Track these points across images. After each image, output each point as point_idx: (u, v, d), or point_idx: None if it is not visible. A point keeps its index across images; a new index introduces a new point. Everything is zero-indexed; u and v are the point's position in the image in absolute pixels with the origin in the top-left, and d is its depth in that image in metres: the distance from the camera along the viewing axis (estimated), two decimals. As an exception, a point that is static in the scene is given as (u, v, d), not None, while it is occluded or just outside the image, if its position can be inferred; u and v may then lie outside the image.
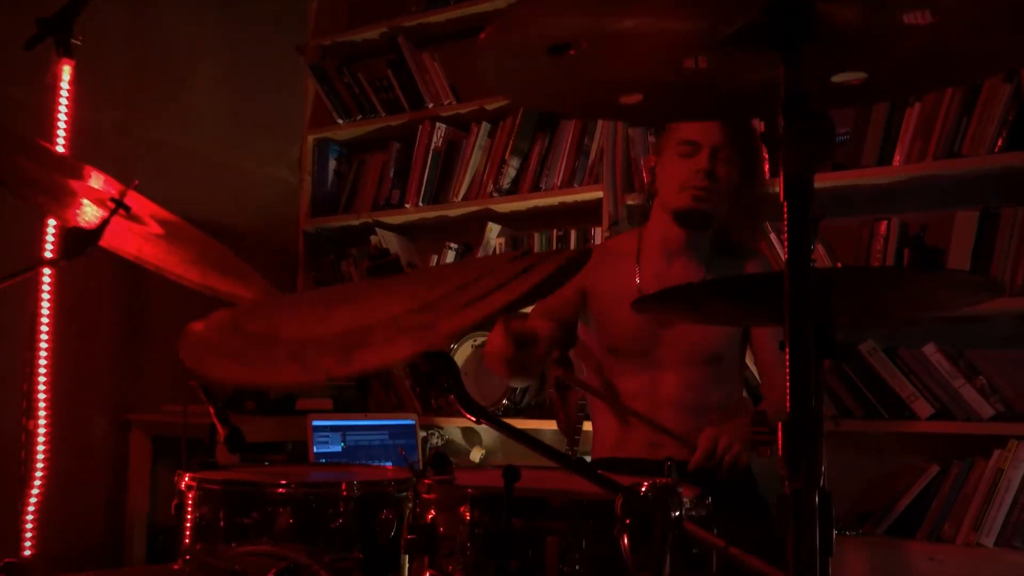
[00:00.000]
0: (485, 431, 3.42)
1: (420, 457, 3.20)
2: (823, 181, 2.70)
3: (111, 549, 2.91)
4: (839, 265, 2.67)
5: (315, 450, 2.88)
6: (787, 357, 0.79)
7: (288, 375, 0.86)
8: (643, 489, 0.87)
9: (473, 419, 1.00)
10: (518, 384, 2.11)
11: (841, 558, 2.44)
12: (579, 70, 0.87)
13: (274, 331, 0.92)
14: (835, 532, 2.34)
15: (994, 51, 0.89)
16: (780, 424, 0.78)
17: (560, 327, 1.98)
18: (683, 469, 1.78)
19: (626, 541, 0.86)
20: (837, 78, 0.97)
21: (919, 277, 1.34)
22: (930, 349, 2.54)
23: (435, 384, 0.97)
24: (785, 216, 0.81)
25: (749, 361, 2.19)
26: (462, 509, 1.20)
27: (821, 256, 2.69)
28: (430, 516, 1.27)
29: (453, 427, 3.45)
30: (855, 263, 2.66)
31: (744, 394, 2.24)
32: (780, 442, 0.78)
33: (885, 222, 2.62)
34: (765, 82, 0.94)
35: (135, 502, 2.96)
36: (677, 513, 0.87)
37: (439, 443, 3.42)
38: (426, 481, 1.29)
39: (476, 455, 3.42)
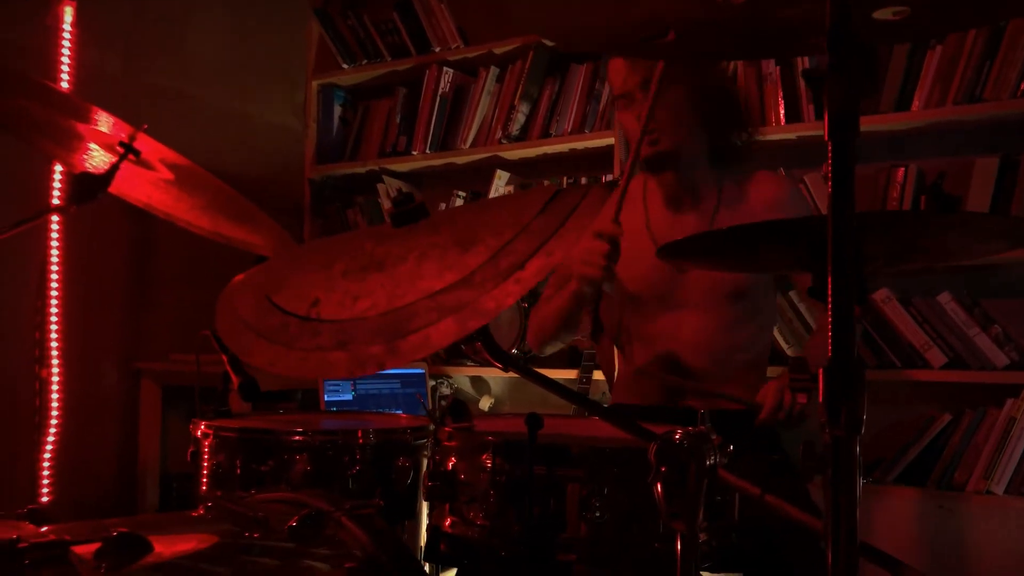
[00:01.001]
0: (494, 379, 3.42)
1: (430, 405, 3.20)
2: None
3: (124, 496, 2.94)
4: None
5: (326, 399, 2.88)
6: (829, 303, 0.77)
7: (341, 369, 0.84)
8: (678, 437, 0.85)
9: (501, 368, 0.98)
10: (550, 347, 2.08)
11: (851, 505, 2.44)
12: (613, 6, 0.83)
13: (312, 308, 0.89)
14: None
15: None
16: (821, 370, 0.76)
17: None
18: (714, 418, 1.77)
19: (660, 489, 0.84)
20: (879, 14, 0.93)
21: (943, 221, 1.31)
22: (945, 298, 2.51)
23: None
24: (829, 155, 0.77)
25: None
26: (483, 456, 1.19)
27: (836, 204, 2.65)
28: (450, 463, 1.27)
29: (462, 376, 3.45)
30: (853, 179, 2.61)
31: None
32: (820, 389, 0.76)
33: (902, 169, 2.58)
34: (802, 18, 0.90)
35: (147, 450, 2.98)
36: (711, 461, 0.85)
37: (449, 391, 3.42)
38: (446, 429, 1.28)
39: (485, 403, 3.42)
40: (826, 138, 0.78)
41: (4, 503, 1.37)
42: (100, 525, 1.04)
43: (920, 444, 2.53)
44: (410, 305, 0.88)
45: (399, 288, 0.90)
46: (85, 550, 0.94)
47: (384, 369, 0.88)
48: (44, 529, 0.96)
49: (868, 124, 2.62)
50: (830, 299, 0.76)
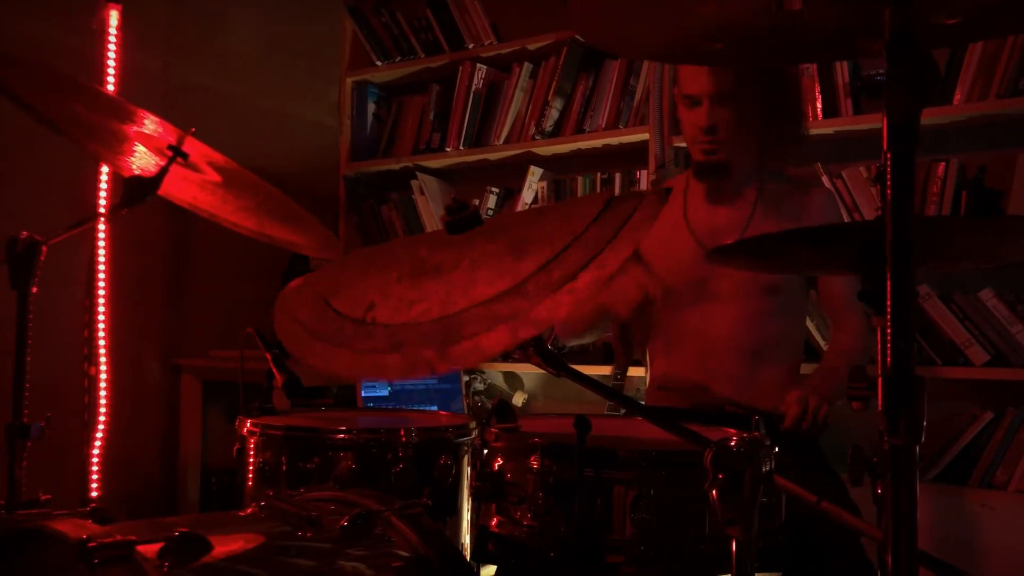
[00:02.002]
0: (527, 375, 3.44)
1: (464, 402, 3.22)
2: (878, 122, 2.62)
3: (166, 491, 2.99)
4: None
5: (363, 394, 2.91)
6: (888, 307, 0.77)
7: (394, 370, 0.86)
8: (733, 443, 0.86)
9: (555, 373, 0.99)
10: (576, 342, 2.11)
11: (890, 503, 2.43)
12: (668, 15, 0.83)
13: (368, 311, 0.91)
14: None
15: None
16: (880, 379, 0.76)
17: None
18: (730, 418, 1.78)
19: (716, 495, 0.85)
20: (935, 17, 0.92)
21: (986, 225, 1.30)
22: (987, 294, 2.49)
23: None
24: (888, 163, 0.77)
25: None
26: (531, 458, 1.21)
27: (874, 199, 2.63)
28: (497, 464, 1.28)
29: (495, 371, 3.47)
30: (913, 188, 2.59)
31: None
32: (880, 396, 0.76)
33: (943, 164, 2.55)
34: (857, 24, 0.90)
35: (188, 445, 3.02)
36: (767, 468, 0.86)
37: (482, 387, 3.44)
38: (492, 430, 1.30)
39: (519, 399, 3.44)
40: (885, 148, 0.77)
41: (55, 498, 1.41)
42: (161, 524, 1.07)
43: (961, 442, 2.51)
44: (463, 312, 0.89)
45: (452, 295, 0.92)
46: (148, 549, 0.96)
47: (436, 374, 0.89)
48: (109, 528, 0.99)
49: (908, 119, 2.59)
50: (889, 308, 0.76)
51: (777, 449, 1.21)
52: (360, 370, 0.93)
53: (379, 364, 0.91)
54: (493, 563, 1.31)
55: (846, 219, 2.54)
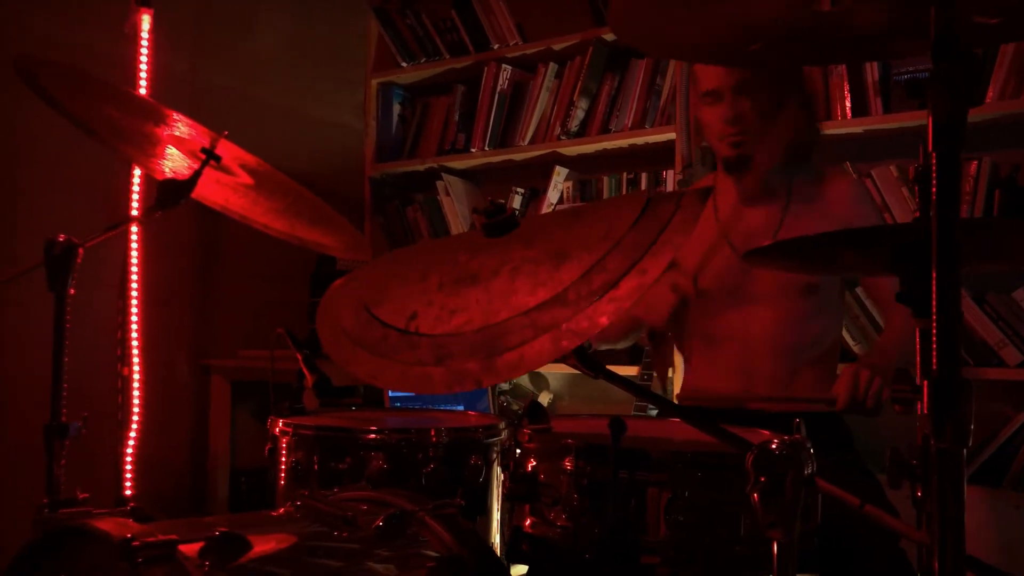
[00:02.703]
0: (552, 375, 3.44)
1: (490, 401, 3.23)
2: (908, 120, 2.60)
3: (195, 491, 3.02)
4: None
5: (390, 394, 2.92)
6: (933, 311, 0.76)
7: (440, 384, 0.86)
8: (775, 446, 0.85)
9: (593, 376, 0.99)
10: (606, 347, 2.11)
11: (922, 505, 2.41)
12: (708, 19, 0.83)
13: (410, 321, 0.91)
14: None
15: None
16: (926, 383, 0.76)
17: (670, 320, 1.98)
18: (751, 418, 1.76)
19: (757, 499, 0.85)
20: (978, 17, 0.91)
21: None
22: (1021, 294, 2.45)
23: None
24: (934, 166, 0.77)
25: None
26: (565, 460, 1.21)
27: (905, 198, 2.60)
28: (530, 465, 1.28)
29: (521, 371, 3.47)
30: (959, 190, 2.56)
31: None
32: (925, 400, 0.76)
33: (975, 162, 2.52)
34: (896, 24, 0.89)
35: (217, 446, 3.05)
36: (809, 471, 0.85)
37: (507, 387, 3.44)
38: (525, 431, 1.30)
39: (544, 399, 3.44)
40: (930, 149, 0.77)
41: (90, 496, 1.43)
42: (201, 524, 1.08)
43: (995, 444, 2.48)
44: (505, 322, 0.89)
45: (494, 304, 0.92)
46: (189, 548, 0.98)
47: (481, 387, 0.90)
48: (151, 527, 1.00)
49: (939, 117, 2.56)
50: (935, 312, 0.76)
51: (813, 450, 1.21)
52: (407, 384, 0.94)
53: (425, 377, 0.91)
54: (526, 563, 1.31)
55: (879, 206, 2.52)
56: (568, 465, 1.20)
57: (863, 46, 1.01)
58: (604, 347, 2.11)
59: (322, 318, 1.05)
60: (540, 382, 3.49)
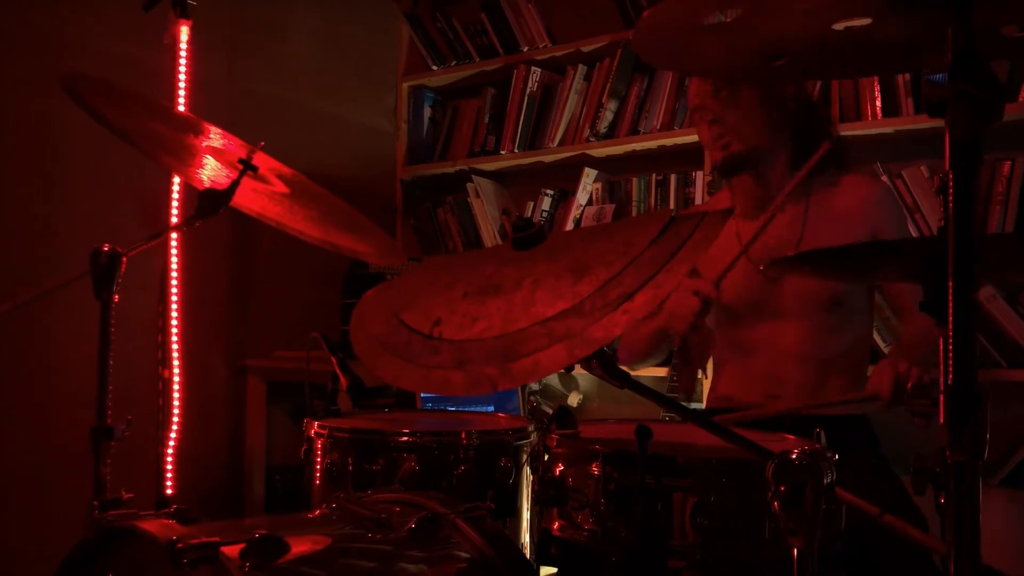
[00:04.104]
0: (582, 376, 3.46)
1: (520, 401, 3.26)
2: (939, 121, 2.58)
3: (233, 488, 3.09)
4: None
5: (421, 395, 2.96)
6: (949, 325, 0.78)
7: (458, 387, 0.90)
8: (795, 455, 0.88)
9: (618, 385, 1.02)
10: (641, 366, 2.15)
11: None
12: (732, 38, 0.85)
13: (434, 327, 0.95)
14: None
15: None
16: (942, 395, 0.78)
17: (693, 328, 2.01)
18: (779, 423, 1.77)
19: (778, 507, 0.87)
20: (1007, 29, 0.92)
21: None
22: (1055, 295, 2.44)
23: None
24: (950, 184, 0.78)
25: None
26: (592, 465, 1.23)
27: (936, 200, 2.58)
28: (558, 469, 1.31)
29: (551, 372, 3.49)
30: (974, 207, 2.55)
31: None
32: (942, 412, 0.77)
33: (1008, 163, 2.50)
34: (922, 39, 0.91)
35: (254, 444, 3.12)
36: (828, 480, 0.87)
37: (537, 387, 3.47)
38: (553, 436, 1.33)
39: (574, 399, 3.46)
40: (947, 167, 0.78)
41: (134, 495, 1.49)
42: (242, 526, 1.13)
43: (1027, 446, 2.46)
44: (523, 330, 0.92)
45: (513, 313, 0.95)
46: (231, 550, 1.02)
47: (497, 390, 0.93)
48: (194, 529, 1.05)
49: (971, 117, 2.54)
50: (950, 326, 0.77)
51: (836, 456, 1.22)
52: (427, 386, 0.97)
53: (445, 380, 0.95)
54: (555, 566, 1.34)
55: (902, 206, 2.51)
56: (595, 470, 1.23)
57: (893, 60, 1.02)
58: (639, 367, 2.14)
59: (355, 323, 1.09)
60: (570, 383, 3.52)
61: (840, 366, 1.88)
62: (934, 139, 2.67)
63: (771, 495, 0.88)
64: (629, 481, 1.18)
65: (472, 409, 3.00)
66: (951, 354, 0.78)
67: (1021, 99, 2.48)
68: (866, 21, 0.83)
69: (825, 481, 0.87)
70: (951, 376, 0.78)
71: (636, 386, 1.02)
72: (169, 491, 1.99)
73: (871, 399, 1.58)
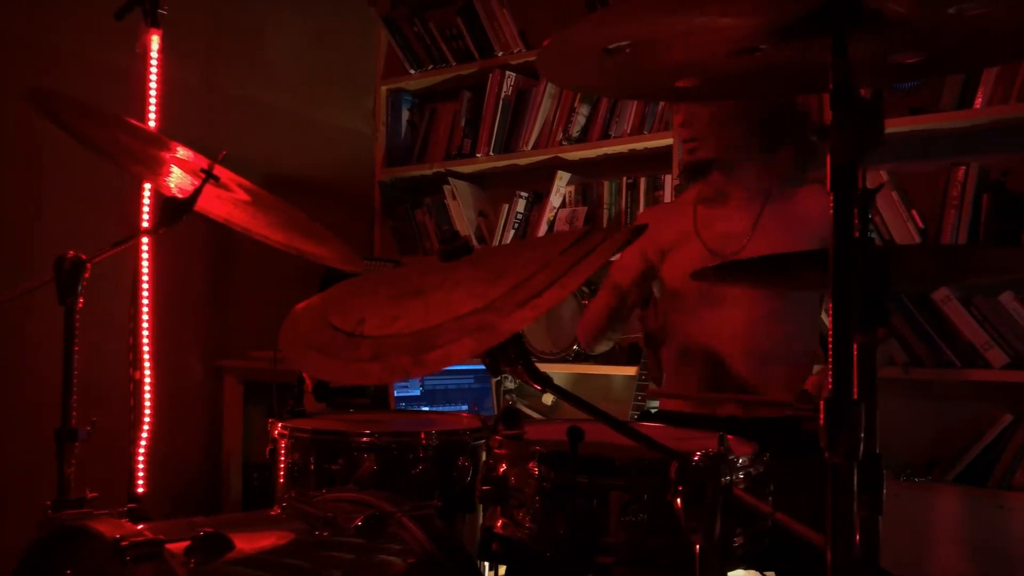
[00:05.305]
0: (557, 375, 3.52)
1: (495, 400, 3.32)
2: (899, 126, 2.65)
3: (210, 486, 3.15)
4: (913, 213, 2.63)
5: (396, 394, 3.02)
6: (829, 345, 0.84)
7: (374, 376, 0.96)
8: (696, 458, 0.93)
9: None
10: (599, 345, 2.22)
11: (910, 505, 2.47)
12: (635, 64, 0.91)
13: (358, 327, 1.02)
14: (904, 479, 2.34)
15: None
16: (822, 402, 0.83)
17: (640, 289, 2.08)
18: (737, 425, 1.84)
19: (679, 504, 0.93)
20: (893, 58, 0.99)
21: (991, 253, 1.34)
22: (1007, 297, 2.50)
23: (504, 355, 1.05)
24: (831, 203, 0.84)
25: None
26: (530, 464, 1.29)
27: (895, 203, 2.65)
28: (501, 469, 1.37)
29: (526, 371, 3.55)
30: (931, 211, 2.62)
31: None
32: (822, 418, 0.83)
33: (963, 168, 2.56)
34: (819, 63, 0.96)
35: (230, 442, 3.18)
36: (728, 479, 0.93)
37: (512, 386, 3.53)
38: (497, 437, 1.38)
39: (548, 398, 3.52)
40: (828, 189, 0.84)
41: (104, 494, 1.54)
42: (189, 524, 1.18)
43: (980, 444, 2.53)
44: (438, 326, 0.99)
45: (431, 312, 1.02)
46: (177, 547, 1.07)
47: (410, 378, 1.01)
48: (141, 527, 1.10)
49: (929, 122, 2.61)
50: (831, 336, 0.83)
51: (769, 455, 1.28)
52: (346, 376, 1.05)
53: (362, 371, 1.02)
54: (496, 563, 1.40)
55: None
56: (534, 470, 1.29)
57: (797, 84, 1.08)
58: (599, 349, 2.21)
59: (286, 325, 1.15)
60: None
61: (783, 357, 1.92)
62: (895, 144, 2.73)
63: (671, 493, 0.94)
64: (564, 480, 1.24)
65: (443, 409, 3.07)
66: (830, 367, 0.84)
67: (977, 105, 2.55)
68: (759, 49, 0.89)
69: (723, 481, 0.92)
70: (830, 384, 0.84)
71: (558, 390, 1.08)
72: (140, 490, 2.04)
73: (806, 398, 1.64)
